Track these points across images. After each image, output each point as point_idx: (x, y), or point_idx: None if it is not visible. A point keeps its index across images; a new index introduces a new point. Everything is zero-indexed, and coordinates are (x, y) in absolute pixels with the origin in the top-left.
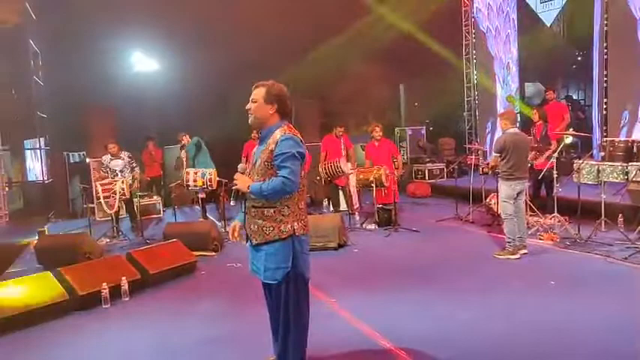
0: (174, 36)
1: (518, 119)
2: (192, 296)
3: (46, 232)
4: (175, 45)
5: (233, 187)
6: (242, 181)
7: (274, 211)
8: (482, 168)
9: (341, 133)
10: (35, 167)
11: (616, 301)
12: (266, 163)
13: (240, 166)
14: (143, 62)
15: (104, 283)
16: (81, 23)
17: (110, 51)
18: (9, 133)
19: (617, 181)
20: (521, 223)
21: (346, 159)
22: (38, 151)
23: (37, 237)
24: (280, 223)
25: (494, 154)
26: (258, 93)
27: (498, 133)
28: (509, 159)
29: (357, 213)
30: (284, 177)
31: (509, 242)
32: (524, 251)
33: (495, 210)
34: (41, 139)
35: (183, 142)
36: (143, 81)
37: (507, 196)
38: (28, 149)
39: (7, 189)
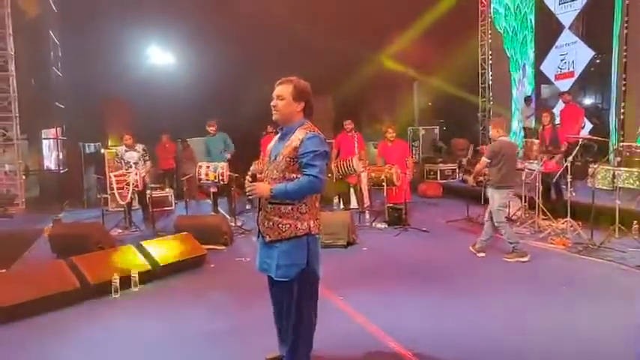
0: (190, 30)
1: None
2: (200, 289)
3: (61, 221)
4: (191, 39)
5: (250, 197)
6: (261, 189)
7: (292, 209)
8: (463, 176)
9: (350, 128)
10: (52, 157)
11: (627, 308)
12: (288, 159)
13: (252, 169)
14: (159, 56)
15: (115, 274)
16: (100, 16)
17: (128, 44)
18: (28, 123)
19: (632, 187)
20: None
21: (359, 157)
22: (55, 140)
23: (51, 225)
24: (297, 220)
25: (483, 158)
26: (285, 89)
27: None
28: (502, 167)
29: (367, 211)
30: (313, 175)
31: (514, 246)
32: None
33: (507, 212)
34: (58, 129)
35: (211, 131)
36: (159, 74)
37: (502, 204)
38: (45, 139)
39: (24, 177)
